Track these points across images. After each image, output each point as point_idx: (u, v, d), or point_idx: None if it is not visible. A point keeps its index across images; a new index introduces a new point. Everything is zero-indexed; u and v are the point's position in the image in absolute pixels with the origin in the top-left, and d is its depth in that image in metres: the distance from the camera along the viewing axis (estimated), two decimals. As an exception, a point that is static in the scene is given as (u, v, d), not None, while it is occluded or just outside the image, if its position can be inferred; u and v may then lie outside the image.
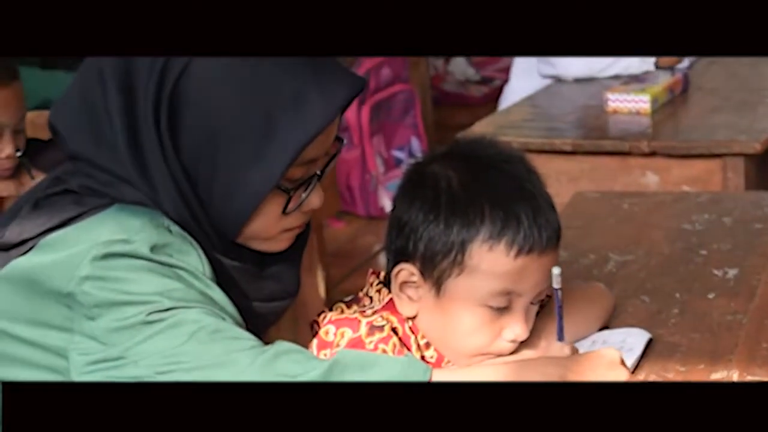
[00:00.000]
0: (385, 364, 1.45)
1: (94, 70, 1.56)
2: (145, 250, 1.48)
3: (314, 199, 1.61)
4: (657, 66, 3.76)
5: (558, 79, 3.90)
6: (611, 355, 1.55)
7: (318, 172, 1.60)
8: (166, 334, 1.45)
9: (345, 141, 1.66)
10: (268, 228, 1.60)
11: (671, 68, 3.69)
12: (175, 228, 1.54)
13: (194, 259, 1.53)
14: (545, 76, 3.91)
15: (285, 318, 1.75)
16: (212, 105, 1.52)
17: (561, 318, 1.62)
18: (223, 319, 1.49)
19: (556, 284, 1.59)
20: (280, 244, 1.63)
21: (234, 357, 1.44)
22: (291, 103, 1.52)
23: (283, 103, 1.52)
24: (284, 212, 1.58)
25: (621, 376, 1.53)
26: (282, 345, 1.47)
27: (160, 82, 1.52)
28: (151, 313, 1.46)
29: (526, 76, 4.03)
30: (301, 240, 1.68)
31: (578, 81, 3.85)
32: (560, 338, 1.63)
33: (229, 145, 1.52)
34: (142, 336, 1.45)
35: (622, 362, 1.55)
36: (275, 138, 1.52)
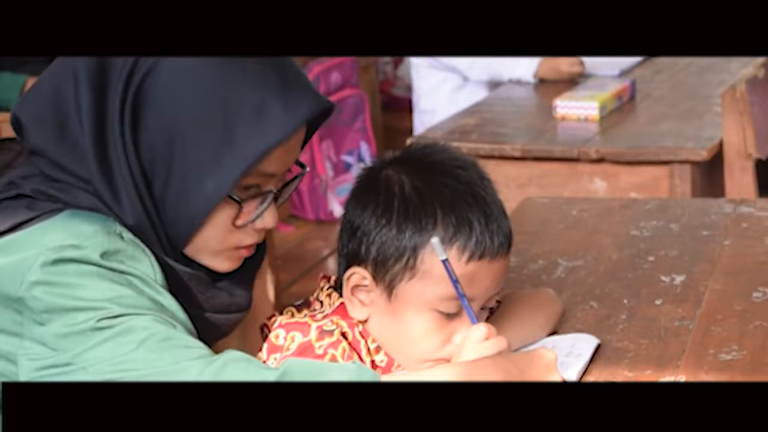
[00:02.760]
0: (334, 373, 1.45)
1: (68, 67, 1.56)
2: (95, 256, 1.48)
3: (268, 217, 1.60)
4: (535, 77, 3.83)
5: (465, 78, 3.97)
6: (549, 357, 1.58)
7: (274, 191, 1.60)
8: (116, 341, 1.44)
9: (307, 168, 1.66)
10: (218, 240, 1.59)
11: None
12: (127, 235, 1.54)
13: (146, 266, 1.53)
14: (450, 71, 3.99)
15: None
16: (174, 106, 1.52)
17: (463, 296, 1.59)
18: (174, 327, 1.48)
19: (441, 255, 1.57)
20: (227, 263, 1.62)
21: (183, 366, 1.43)
22: (253, 112, 1.52)
23: (244, 111, 1.52)
24: (234, 224, 1.58)
25: (555, 378, 1.57)
26: (231, 354, 1.46)
27: (128, 80, 1.52)
28: (100, 320, 1.45)
29: (427, 76, 4.09)
30: (255, 259, 1.67)
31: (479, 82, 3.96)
32: (472, 320, 1.60)
33: (186, 149, 1.52)
34: (92, 342, 1.44)
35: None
36: (233, 146, 1.52)
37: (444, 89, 4.05)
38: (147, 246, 1.55)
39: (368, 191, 1.65)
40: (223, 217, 1.57)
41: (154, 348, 1.44)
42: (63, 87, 1.55)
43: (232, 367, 1.44)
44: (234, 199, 1.56)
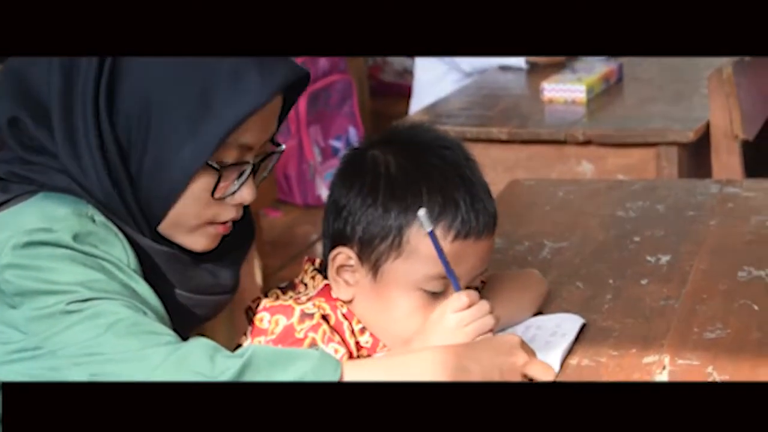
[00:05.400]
0: (296, 361, 1.44)
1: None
2: (67, 239, 1.47)
3: (245, 192, 1.59)
4: (527, 62, 3.83)
5: (464, 71, 3.97)
6: (512, 341, 1.56)
7: (252, 163, 1.59)
8: (84, 325, 1.43)
9: (284, 146, 1.65)
10: (195, 214, 1.57)
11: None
12: (99, 218, 1.52)
13: (118, 251, 1.52)
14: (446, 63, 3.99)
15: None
16: (149, 73, 1.51)
17: (447, 263, 1.58)
18: (144, 313, 1.47)
19: (428, 227, 1.56)
20: (203, 241, 1.60)
21: (148, 352, 1.42)
22: (229, 78, 1.52)
23: (220, 77, 1.51)
24: (213, 195, 1.56)
25: (520, 359, 1.55)
26: (197, 342, 1.45)
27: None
28: (70, 303, 1.44)
29: (430, 68, 4.09)
30: (243, 242, 1.67)
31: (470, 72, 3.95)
32: (456, 287, 1.60)
33: (163, 116, 1.51)
34: (61, 326, 1.44)
35: (524, 345, 1.57)
36: (210, 112, 1.51)
37: (447, 81, 4.05)
38: (119, 226, 1.54)
39: (354, 171, 1.65)
40: (201, 187, 1.55)
41: (122, 333, 1.43)
42: (34, 67, 1.55)
43: (197, 354, 1.43)
44: (213, 167, 1.54)
